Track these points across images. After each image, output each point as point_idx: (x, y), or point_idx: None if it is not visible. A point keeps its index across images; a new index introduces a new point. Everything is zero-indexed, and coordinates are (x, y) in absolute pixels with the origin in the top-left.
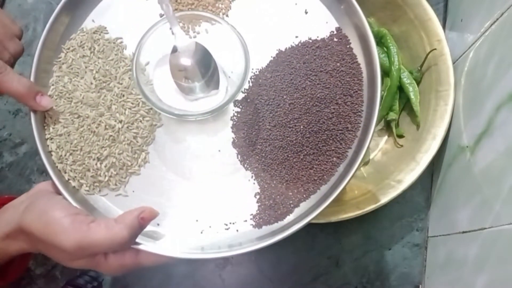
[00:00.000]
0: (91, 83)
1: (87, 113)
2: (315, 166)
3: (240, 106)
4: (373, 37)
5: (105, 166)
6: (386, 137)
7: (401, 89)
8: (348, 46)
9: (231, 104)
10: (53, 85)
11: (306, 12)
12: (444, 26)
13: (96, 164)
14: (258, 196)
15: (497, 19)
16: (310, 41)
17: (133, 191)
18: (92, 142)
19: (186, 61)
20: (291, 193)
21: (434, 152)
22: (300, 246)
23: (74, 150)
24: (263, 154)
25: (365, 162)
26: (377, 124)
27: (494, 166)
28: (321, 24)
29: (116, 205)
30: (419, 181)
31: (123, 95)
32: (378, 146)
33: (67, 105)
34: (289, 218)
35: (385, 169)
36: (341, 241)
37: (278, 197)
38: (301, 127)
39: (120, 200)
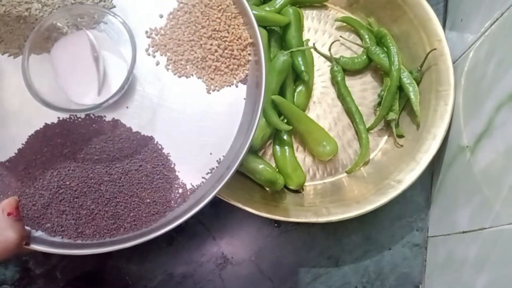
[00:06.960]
0: None
1: None
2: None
3: None
4: (372, 38)
5: None
6: (386, 137)
7: (401, 89)
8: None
9: None
10: None
11: None
12: (444, 26)
13: None
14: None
15: (497, 19)
16: None
17: None
18: None
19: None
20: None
21: (434, 152)
22: (300, 246)
23: None
24: None
25: (365, 162)
26: (377, 125)
27: (494, 166)
28: None
29: None
30: (419, 181)
31: None
32: (378, 146)
33: None
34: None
35: (385, 169)
36: (341, 241)
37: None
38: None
39: None
